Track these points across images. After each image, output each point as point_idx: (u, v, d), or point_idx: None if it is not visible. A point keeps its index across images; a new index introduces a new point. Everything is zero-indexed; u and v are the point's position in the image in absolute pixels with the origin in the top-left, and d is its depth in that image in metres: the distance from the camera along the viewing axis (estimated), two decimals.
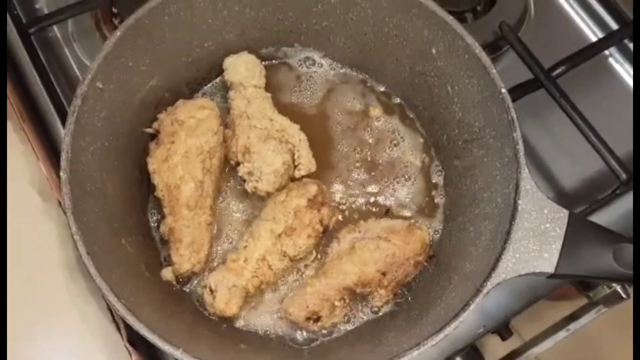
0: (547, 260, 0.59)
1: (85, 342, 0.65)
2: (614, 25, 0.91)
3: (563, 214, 0.61)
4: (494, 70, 0.67)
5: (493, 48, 0.89)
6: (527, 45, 0.85)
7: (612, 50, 0.90)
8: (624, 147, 0.84)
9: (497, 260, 0.60)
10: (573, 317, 0.95)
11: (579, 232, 0.60)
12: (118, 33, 0.67)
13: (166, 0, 0.69)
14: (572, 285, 0.90)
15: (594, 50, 0.86)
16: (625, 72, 0.90)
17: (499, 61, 0.90)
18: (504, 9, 0.90)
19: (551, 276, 0.60)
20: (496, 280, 0.59)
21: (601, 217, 0.78)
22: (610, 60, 0.91)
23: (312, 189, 0.68)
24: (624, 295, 0.86)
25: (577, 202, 0.81)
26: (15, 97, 0.77)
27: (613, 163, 0.77)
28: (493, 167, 0.67)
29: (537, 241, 0.60)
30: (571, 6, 0.93)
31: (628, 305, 0.96)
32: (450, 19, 0.69)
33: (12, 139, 0.73)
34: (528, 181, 0.62)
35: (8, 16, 0.84)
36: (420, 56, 0.74)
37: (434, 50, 0.72)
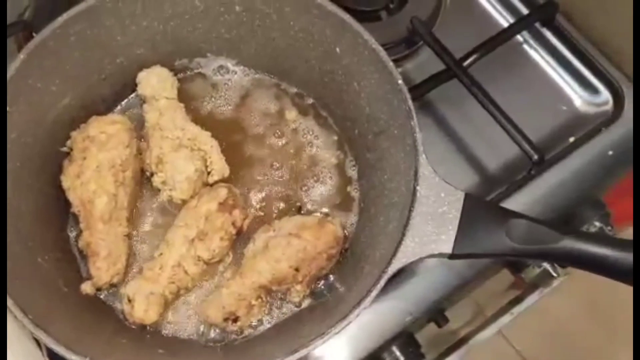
0: (444, 242, 0.61)
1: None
2: (525, 11, 0.93)
3: (459, 195, 0.62)
4: (391, 63, 0.69)
5: (409, 43, 0.91)
6: (442, 38, 0.87)
7: (526, 36, 0.92)
8: (540, 129, 0.86)
9: (398, 245, 0.61)
10: (517, 300, 0.97)
11: (474, 212, 0.61)
12: (21, 56, 0.68)
13: (69, 21, 0.70)
14: (506, 269, 0.92)
15: (504, 37, 0.88)
16: (539, 57, 0.92)
17: (417, 55, 0.92)
18: (417, 5, 0.92)
19: (451, 257, 0.61)
20: (397, 265, 0.61)
21: (518, 199, 0.81)
22: (525, 46, 0.93)
23: (222, 192, 0.70)
24: (554, 274, 0.88)
25: (496, 185, 0.83)
26: None
27: (525, 145, 0.79)
28: (398, 157, 0.69)
29: (435, 224, 0.62)
30: None
31: (583, 282, 0.98)
32: (347, 17, 0.71)
33: None
34: (426, 167, 0.64)
35: None
36: (326, 56, 0.76)
37: (338, 49, 0.74)
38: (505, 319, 0.96)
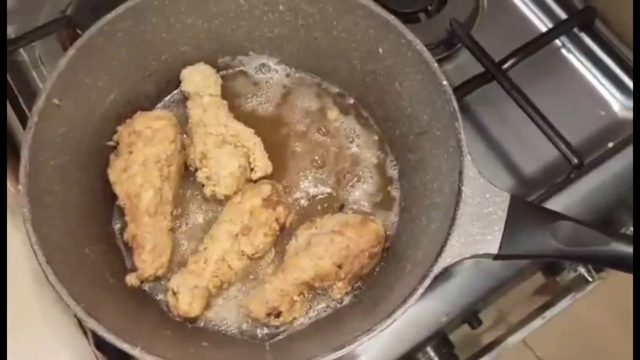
0: (490, 243, 0.61)
1: (54, 348, 0.67)
2: (564, 16, 0.93)
3: (504, 197, 0.63)
4: (435, 64, 0.69)
5: (448, 45, 0.91)
6: (480, 40, 0.87)
7: (564, 40, 0.93)
8: (578, 133, 0.86)
9: (443, 245, 0.62)
10: (548, 305, 0.97)
11: (520, 213, 0.62)
12: (71, 52, 0.70)
13: (116, 18, 0.72)
14: (540, 272, 0.92)
15: (542, 41, 0.88)
16: (577, 61, 0.92)
17: (456, 57, 0.92)
18: (455, 7, 0.93)
19: (496, 257, 0.62)
20: (442, 265, 0.61)
21: (556, 202, 0.80)
22: (563, 50, 0.93)
23: (266, 189, 0.71)
24: (589, 279, 0.88)
25: (535, 188, 0.83)
26: None
27: (564, 148, 0.79)
28: (441, 158, 0.69)
29: (480, 225, 0.62)
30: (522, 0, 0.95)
31: (613, 288, 0.97)
32: (391, 17, 0.72)
33: None
34: (471, 168, 0.64)
35: None
36: (369, 56, 0.77)
37: (380, 50, 0.75)
38: (536, 323, 0.96)
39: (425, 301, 0.78)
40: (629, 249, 0.57)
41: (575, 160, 0.78)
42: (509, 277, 0.80)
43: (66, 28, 0.91)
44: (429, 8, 0.93)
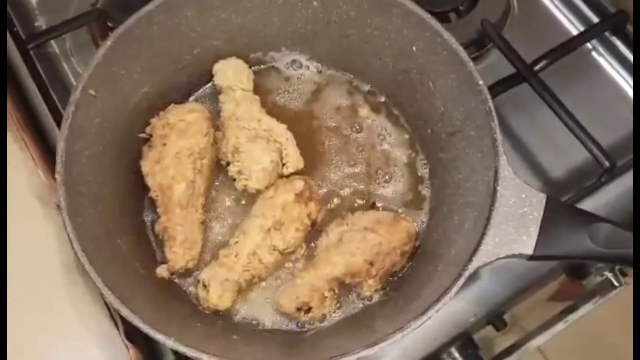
0: (525, 243, 0.61)
1: (84, 339, 0.67)
2: (595, 19, 0.93)
3: (540, 197, 0.62)
4: (471, 64, 0.69)
5: (478, 45, 0.91)
6: (511, 41, 0.87)
7: (595, 43, 0.92)
8: (608, 136, 0.85)
9: (478, 244, 0.62)
10: (571, 309, 0.96)
11: (556, 214, 0.62)
12: (108, 43, 0.70)
13: (153, 11, 0.72)
14: (566, 275, 0.92)
15: (574, 43, 0.88)
16: (607, 64, 0.91)
17: (485, 57, 0.92)
18: (486, 7, 0.93)
19: (530, 258, 0.61)
20: (477, 264, 0.61)
21: (587, 204, 0.80)
22: (593, 53, 0.92)
23: (299, 184, 0.71)
24: (615, 283, 0.88)
25: (565, 191, 0.83)
26: (15, 109, 0.80)
27: (596, 151, 0.78)
28: (474, 157, 0.69)
29: (515, 225, 0.62)
30: (551, 1, 0.95)
31: (629, 296, 0.97)
32: (427, 16, 0.72)
33: (12, 150, 0.76)
34: (506, 168, 0.64)
35: (8, 33, 0.87)
36: (402, 55, 0.76)
37: (414, 48, 0.75)
38: (559, 327, 0.95)
39: (453, 301, 0.76)
40: None
41: (607, 164, 0.78)
42: (536, 279, 0.79)
43: (97, 21, 0.91)
44: (460, 8, 0.93)
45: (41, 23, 0.96)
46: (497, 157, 0.65)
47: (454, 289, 0.60)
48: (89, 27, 0.92)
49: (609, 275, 0.87)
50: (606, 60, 0.92)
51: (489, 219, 0.62)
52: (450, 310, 0.77)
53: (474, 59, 0.89)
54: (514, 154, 0.85)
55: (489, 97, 0.67)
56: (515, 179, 0.64)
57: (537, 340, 0.95)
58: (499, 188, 0.63)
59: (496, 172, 0.64)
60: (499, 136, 0.65)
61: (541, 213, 0.62)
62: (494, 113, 0.66)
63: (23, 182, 0.73)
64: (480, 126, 0.68)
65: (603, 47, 0.92)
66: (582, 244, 0.60)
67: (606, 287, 0.89)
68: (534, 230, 0.61)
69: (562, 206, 0.63)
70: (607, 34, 0.92)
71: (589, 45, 0.92)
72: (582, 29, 0.93)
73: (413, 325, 0.59)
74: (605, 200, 0.80)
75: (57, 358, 0.67)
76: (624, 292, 0.93)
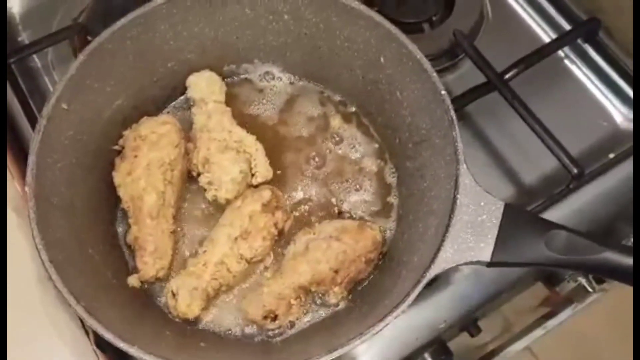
0: (483, 250, 0.62)
1: (57, 348, 0.68)
2: (567, 27, 0.94)
3: (499, 205, 0.63)
4: (435, 74, 0.70)
5: (451, 55, 0.92)
6: (485, 50, 0.88)
7: (567, 51, 0.93)
8: (580, 143, 0.87)
9: (437, 251, 0.63)
10: (549, 315, 0.97)
11: (514, 221, 0.63)
12: (81, 57, 0.72)
13: (127, 25, 0.74)
14: (541, 282, 0.93)
15: (546, 51, 0.89)
16: (580, 71, 0.93)
17: (458, 67, 0.93)
18: (459, 18, 0.94)
19: (488, 265, 0.62)
20: (435, 271, 0.62)
21: (556, 211, 0.81)
22: (566, 61, 0.93)
23: (266, 194, 0.72)
24: (589, 289, 0.88)
25: (534, 198, 0.84)
26: None
27: (565, 159, 0.79)
28: (438, 166, 0.70)
29: (474, 232, 0.63)
30: (525, 10, 0.96)
31: (616, 300, 0.97)
32: (393, 28, 0.73)
33: None
34: (466, 176, 0.65)
35: None
36: (371, 65, 0.78)
37: (382, 59, 0.76)
38: (537, 333, 0.96)
39: (423, 308, 0.78)
40: (621, 259, 0.57)
41: (575, 171, 0.78)
42: (506, 286, 0.80)
43: (78, 35, 0.93)
44: (433, 18, 0.94)
45: (24, 37, 0.97)
46: (458, 166, 0.66)
47: (412, 296, 0.61)
48: (71, 41, 0.94)
49: (583, 281, 0.87)
50: (578, 67, 0.93)
51: (448, 226, 0.63)
52: (422, 316, 0.78)
53: (447, 69, 0.91)
54: (485, 161, 0.86)
55: (451, 106, 0.68)
56: (475, 186, 0.65)
57: (516, 345, 0.96)
58: (458, 196, 0.64)
59: (456, 180, 0.65)
60: (460, 145, 0.67)
61: (499, 220, 0.63)
62: (455, 122, 0.68)
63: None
64: (444, 135, 0.69)
65: (575, 55, 0.93)
66: (539, 250, 0.60)
67: (580, 293, 0.90)
68: (492, 238, 0.62)
69: (520, 214, 0.64)
70: (579, 41, 0.93)
71: (561, 53, 0.93)
72: (553, 35, 0.94)
73: (371, 331, 0.60)
74: (574, 207, 0.82)
75: None
76: (605, 298, 0.94)
